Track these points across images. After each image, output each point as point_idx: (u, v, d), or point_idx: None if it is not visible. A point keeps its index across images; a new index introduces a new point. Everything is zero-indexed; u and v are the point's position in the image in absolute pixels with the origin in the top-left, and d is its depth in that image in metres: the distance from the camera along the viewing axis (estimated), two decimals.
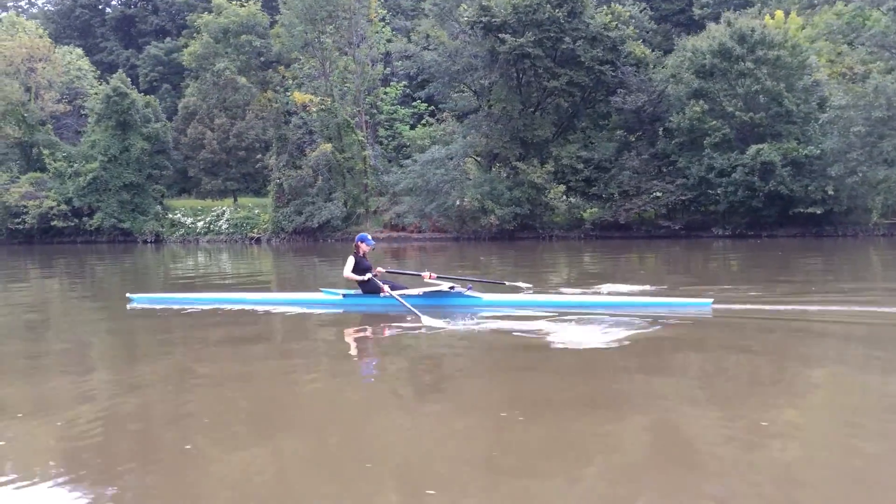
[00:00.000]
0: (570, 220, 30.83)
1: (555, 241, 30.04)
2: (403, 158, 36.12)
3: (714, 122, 26.20)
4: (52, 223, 37.72)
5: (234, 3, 32.91)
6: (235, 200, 41.94)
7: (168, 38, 56.16)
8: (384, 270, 9.23)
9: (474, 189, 29.02)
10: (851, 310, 8.23)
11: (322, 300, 9.13)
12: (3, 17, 44.16)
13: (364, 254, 8.95)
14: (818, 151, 25.32)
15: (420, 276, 9.18)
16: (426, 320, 7.57)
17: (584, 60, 27.60)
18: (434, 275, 9.06)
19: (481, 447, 4.07)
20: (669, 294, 9.65)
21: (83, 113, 44.03)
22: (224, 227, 37.37)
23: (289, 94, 34.18)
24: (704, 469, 3.67)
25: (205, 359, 6.82)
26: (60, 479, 3.65)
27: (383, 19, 37.22)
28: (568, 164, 28.89)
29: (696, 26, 40.87)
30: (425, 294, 8.62)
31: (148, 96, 40.82)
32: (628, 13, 29.59)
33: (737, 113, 25.81)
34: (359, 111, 35.24)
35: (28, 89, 40.53)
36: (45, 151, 39.64)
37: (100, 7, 60.30)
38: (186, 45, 55.29)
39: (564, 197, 30.65)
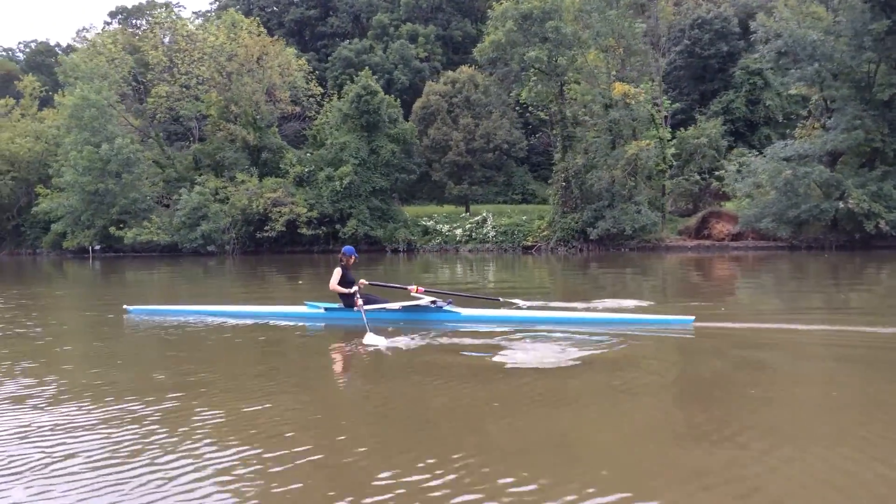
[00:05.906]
0: None
1: None
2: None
3: None
4: (300, 231, 34.91)
5: None
6: (467, 209, 38.69)
7: (356, 39, 53.83)
8: (367, 283, 8.92)
9: (858, 190, 24.87)
10: None
11: (305, 314, 9.15)
12: (225, 15, 41.96)
13: (348, 266, 8.80)
14: None
15: (406, 289, 8.95)
16: (369, 338, 7.22)
17: None
18: (421, 288, 8.79)
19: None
20: None
21: (308, 115, 41.52)
22: (491, 234, 33.93)
23: (595, 86, 30.51)
24: None
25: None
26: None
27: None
28: None
29: None
30: (403, 308, 8.54)
31: (388, 95, 37.84)
32: None
33: None
34: (657, 105, 31.51)
35: (259, 90, 38.12)
36: (289, 155, 37.06)
37: (277, 10, 58.46)
38: (372, 48, 53.20)
39: None
